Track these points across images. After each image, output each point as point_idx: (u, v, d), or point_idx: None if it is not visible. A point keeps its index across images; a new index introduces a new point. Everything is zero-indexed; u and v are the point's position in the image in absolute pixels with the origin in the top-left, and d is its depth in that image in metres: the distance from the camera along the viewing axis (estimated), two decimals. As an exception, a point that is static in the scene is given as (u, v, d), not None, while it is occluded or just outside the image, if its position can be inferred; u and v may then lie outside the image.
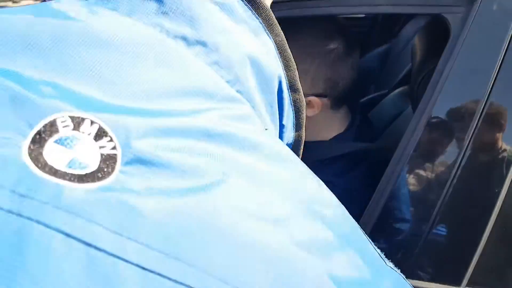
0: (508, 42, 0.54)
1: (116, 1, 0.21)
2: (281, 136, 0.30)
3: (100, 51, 0.18)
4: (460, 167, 0.58)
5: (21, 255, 0.13)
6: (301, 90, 0.29)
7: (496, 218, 0.57)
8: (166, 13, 0.21)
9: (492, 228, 0.58)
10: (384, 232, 0.64)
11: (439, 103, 0.57)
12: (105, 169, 0.15)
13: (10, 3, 4.99)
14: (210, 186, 0.17)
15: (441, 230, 0.61)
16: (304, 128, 0.31)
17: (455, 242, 0.61)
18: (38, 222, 0.14)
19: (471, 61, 0.55)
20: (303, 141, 0.32)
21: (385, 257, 0.23)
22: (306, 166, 0.25)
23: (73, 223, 0.14)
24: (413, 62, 0.83)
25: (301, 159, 0.88)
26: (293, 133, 0.30)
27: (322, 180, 0.93)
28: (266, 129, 0.25)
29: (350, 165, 0.82)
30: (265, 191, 0.19)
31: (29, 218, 0.14)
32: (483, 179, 0.59)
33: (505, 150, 0.57)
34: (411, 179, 0.61)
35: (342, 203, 0.79)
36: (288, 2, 0.62)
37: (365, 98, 1.21)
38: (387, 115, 1.04)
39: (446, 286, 0.59)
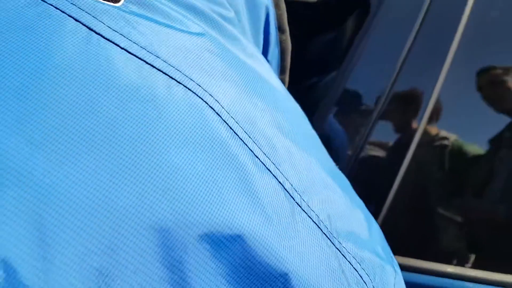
0: (423, 18, 0.57)
1: None
2: None
3: None
4: (367, 140, 0.61)
5: (39, 24, 0.17)
6: (288, 33, 0.30)
7: (397, 189, 0.62)
8: None
9: (393, 198, 0.62)
10: None
11: (352, 78, 0.61)
12: None
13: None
14: (196, 33, 0.21)
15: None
16: (288, 74, 0.33)
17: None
18: (56, 7, 0.18)
19: (384, 38, 0.59)
20: (286, 87, 0.33)
21: None
22: None
23: (82, 15, 0.18)
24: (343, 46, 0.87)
25: None
26: (277, 75, 0.31)
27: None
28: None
29: None
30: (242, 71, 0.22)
31: (50, 4, 0.18)
32: (386, 153, 0.63)
33: (414, 126, 0.62)
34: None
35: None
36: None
37: (310, 82, 1.25)
38: (320, 98, 1.07)
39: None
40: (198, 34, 0.21)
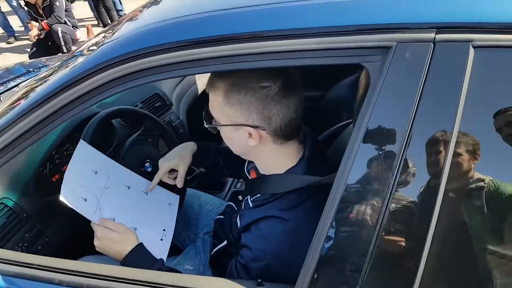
0: (422, 86, 0.54)
1: None
2: None
3: None
4: (389, 202, 0.57)
5: None
6: None
7: (430, 247, 0.56)
8: None
9: (428, 255, 0.56)
10: (329, 265, 0.63)
11: (364, 145, 0.57)
12: None
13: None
14: None
15: (381, 258, 0.59)
16: None
17: (395, 270, 0.60)
18: None
19: (389, 106, 0.55)
20: None
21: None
22: None
23: None
24: (356, 99, 0.83)
25: (259, 191, 0.87)
26: None
27: (269, 215, 0.92)
28: None
29: (299, 200, 0.80)
30: None
31: None
32: (414, 208, 0.58)
33: (429, 183, 0.56)
34: (345, 216, 0.60)
35: (292, 240, 0.76)
36: (224, 57, 0.63)
37: (331, 129, 1.20)
38: (344, 147, 1.02)
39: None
40: None
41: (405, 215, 0.58)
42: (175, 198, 1.16)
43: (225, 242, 1.02)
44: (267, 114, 0.76)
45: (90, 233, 0.92)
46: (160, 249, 0.95)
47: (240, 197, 1.20)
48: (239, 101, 0.76)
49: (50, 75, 0.95)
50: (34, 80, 1.10)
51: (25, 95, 0.95)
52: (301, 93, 0.78)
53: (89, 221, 0.90)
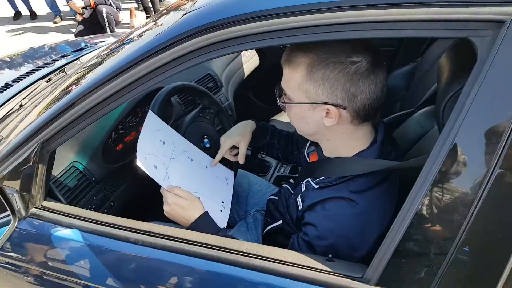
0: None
1: None
2: None
3: None
4: (486, 191, 0.54)
5: None
6: None
7: None
8: None
9: None
10: (408, 253, 0.61)
11: (465, 126, 0.53)
12: None
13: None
14: None
15: (466, 252, 0.57)
16: None
17: (481, 265, 0.57)
18: None
19: (499, 85, 0.52)
20: None
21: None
22: None
23: None
24: (439, 82, 0.80)
25: (324, 174, 0.88)
26: None
27: (340, 196, 0.91)
28: None
29: (369, 184, 0.78)
30: None
31: None
32: (510, 203, 0.55)
33: None
34: (436, 201, 0.57)
35: (360, 222, 0.75)
36: (316, 27, 0.62)
37: (390, 117, 1.18)
38: (412, 134, 1.00)
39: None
40: None
41: (499, 210, 0.55)
42: (231, 174, 1.17)
43: (279, 222, 1.02)
44: (353, 91, 0.72)
45: (151, 201, 0.95)
46: (219, 220, 0.97)
47: (291, 181, 1.20)
48: (324, 77, 0.72)
49: (120, 47, 0.98)
50: (107, 50, 1.14)
51: (98, 65, 0.97)
52: (384, 70, 0.75)
53: (149, 191, 0.92)
